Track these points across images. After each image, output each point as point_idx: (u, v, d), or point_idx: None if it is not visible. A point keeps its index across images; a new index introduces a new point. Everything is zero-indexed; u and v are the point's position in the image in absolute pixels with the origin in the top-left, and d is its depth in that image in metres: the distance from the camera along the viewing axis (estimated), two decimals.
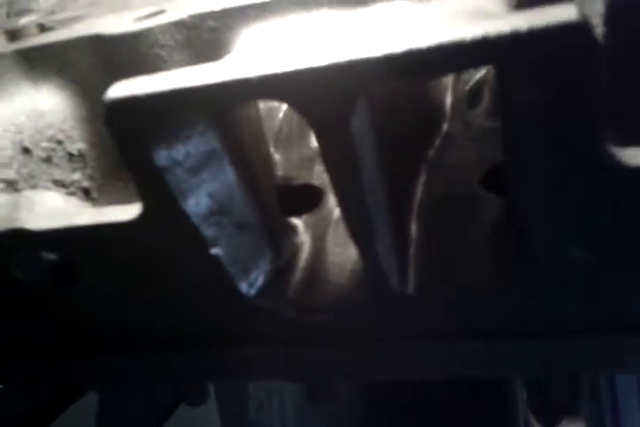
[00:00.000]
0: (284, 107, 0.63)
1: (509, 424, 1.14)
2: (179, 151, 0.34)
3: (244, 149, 0.40)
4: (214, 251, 0.37)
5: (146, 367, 0.45)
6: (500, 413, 1.14)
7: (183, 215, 0.35)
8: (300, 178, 0.55)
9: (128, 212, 0.36)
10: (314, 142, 0.62)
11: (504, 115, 0.36)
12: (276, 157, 0.59)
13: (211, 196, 0.36)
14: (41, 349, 0.48)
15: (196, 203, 0.35)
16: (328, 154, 0.30)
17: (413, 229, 0.43)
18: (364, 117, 0.31)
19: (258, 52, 0.31)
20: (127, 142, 0.32)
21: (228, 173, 0.38)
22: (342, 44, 0.29)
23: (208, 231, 0.36)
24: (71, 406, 0.89)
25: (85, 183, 0.48)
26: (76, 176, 0.48)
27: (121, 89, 0.31)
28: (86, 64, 0.47)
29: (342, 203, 0.32)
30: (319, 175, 0.55)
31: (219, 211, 0.37)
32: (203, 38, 0.46)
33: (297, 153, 0.59)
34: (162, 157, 0.33)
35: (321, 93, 0.29)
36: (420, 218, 0.44)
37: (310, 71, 0.28)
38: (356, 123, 0.29)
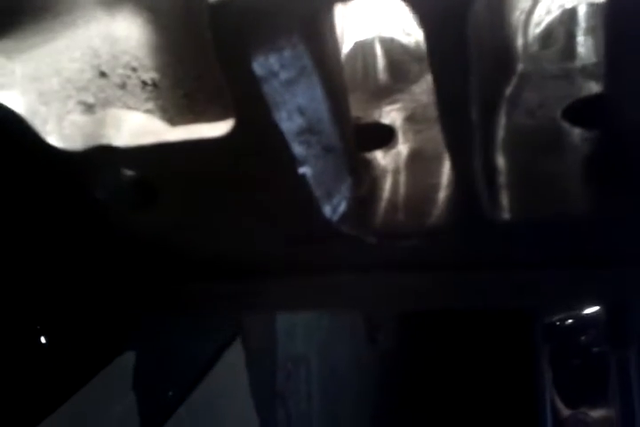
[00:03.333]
0: (346, 50, 0.62)
1: (536, 406, 1.14)
2: (275, 62, 0.33)
3: (329, 72, 0.39)
4: (302, 170, 0.36)
5: (217, 296, 0.44)
6: (527, 395, 1.14)
7: (276, 129, 0.34)
8: (369, 117, 0.54)
9: (218, 128, 0.35)
10: (379, 81, 0.60)
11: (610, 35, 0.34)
12: None
13: (302, 112, 0.35)
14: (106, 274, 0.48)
15: (289, 117, 0.34)
16: (439, 54, 0.29)
17: (500, 160, 0.42)
18: (478, 18, 0.29)
19: None
20: (229, 48, 0.31)
21: (318, 91, 0.37)
22: None
23: (298, 149, 0.36)
24: None
25: (158, 114, 0.48)
26: (149, 106, 0.47)
27: None
28: None
29: (447, 110, 0.31)
30: (387, 114, 0.54)
31: (308, 129, 0.36)
32: None
33: (362, 93, 0.58)
34: (260, 65, 0.32)
35: None
36: (505, 151, 0.43)
37: None
38: (472, 20, 0.28)
